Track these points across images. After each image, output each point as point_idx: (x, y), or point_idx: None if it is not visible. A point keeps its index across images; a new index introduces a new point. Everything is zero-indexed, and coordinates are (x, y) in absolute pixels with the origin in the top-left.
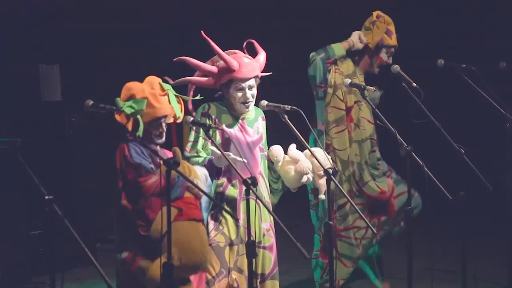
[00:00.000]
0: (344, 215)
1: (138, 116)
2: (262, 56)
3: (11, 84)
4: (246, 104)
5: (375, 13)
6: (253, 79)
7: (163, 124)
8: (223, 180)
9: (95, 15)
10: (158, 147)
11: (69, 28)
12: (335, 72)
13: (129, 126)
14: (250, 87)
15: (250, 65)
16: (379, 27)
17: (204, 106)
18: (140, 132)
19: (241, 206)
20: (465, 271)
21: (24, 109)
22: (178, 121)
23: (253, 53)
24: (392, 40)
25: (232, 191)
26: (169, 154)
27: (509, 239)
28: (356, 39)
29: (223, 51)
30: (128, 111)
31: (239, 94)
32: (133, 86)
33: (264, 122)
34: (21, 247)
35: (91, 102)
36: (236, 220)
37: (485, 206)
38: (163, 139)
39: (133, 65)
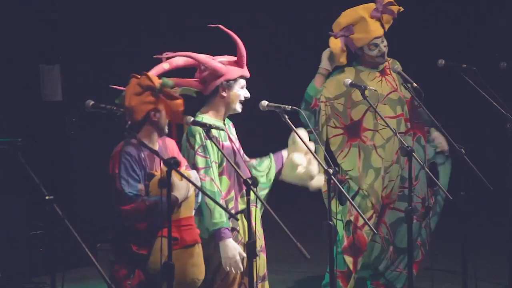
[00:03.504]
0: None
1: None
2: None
3: (12, 84)
4: (241, 104)
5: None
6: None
7: None
8: (231, 195)
9: (95, 15)
10: (159, 141)
11: (69, 28)
12: (325, 105)
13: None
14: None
15: (245, 65)
16: (332, 46)
17: (202, 130)
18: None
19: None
20: (465, 271)
21: (24, 109)
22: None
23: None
24: (365, 36)
25: (242, 203)
26: (169, 143)
27: (509, 239)
28: (326, 63)
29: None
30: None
31: (242, 92)
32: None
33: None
34: (21, 247)
35: (91, 102)
36: (236, 219)
37: (485, 206)
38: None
39: (133, 65)
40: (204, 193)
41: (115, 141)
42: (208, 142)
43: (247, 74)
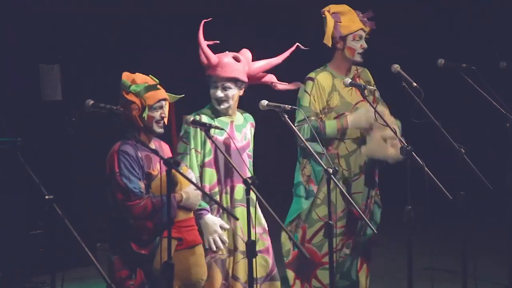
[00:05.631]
0: (322, 241)
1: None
2: (253, 62)
3: (12, 84)
4: (218, 103)
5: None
6: (232, 81)
7: (164, 109)
8: (216, 190)
9: (95, 14)
10: (156, 143)
11: (69, 28)
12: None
13: (138, 103)
14: (226, 88)
15: (228, 66)
16: (327, 21)
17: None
18: (145, 114)
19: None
20: (465, 271)
21: (24, 109)
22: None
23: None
24: (352, 25)
25: (225, 201)
26: (165, 148)
27: (509, 239)
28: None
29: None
30: (134, 91)
31: (212, 91)
32: (131, 74)
33: (253, 129)
34: (21, 247)
35: (91, 102)
36: (236, 219)
37: (485, 206)
38: (163, 129)
39: (133, 64)
40: (205, 193)
41: (115, 141)
42: (192, 129)
43: (212, 73)
